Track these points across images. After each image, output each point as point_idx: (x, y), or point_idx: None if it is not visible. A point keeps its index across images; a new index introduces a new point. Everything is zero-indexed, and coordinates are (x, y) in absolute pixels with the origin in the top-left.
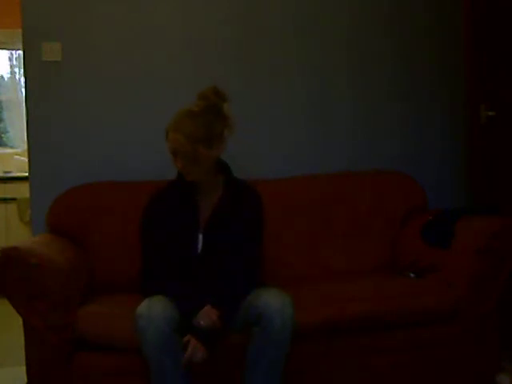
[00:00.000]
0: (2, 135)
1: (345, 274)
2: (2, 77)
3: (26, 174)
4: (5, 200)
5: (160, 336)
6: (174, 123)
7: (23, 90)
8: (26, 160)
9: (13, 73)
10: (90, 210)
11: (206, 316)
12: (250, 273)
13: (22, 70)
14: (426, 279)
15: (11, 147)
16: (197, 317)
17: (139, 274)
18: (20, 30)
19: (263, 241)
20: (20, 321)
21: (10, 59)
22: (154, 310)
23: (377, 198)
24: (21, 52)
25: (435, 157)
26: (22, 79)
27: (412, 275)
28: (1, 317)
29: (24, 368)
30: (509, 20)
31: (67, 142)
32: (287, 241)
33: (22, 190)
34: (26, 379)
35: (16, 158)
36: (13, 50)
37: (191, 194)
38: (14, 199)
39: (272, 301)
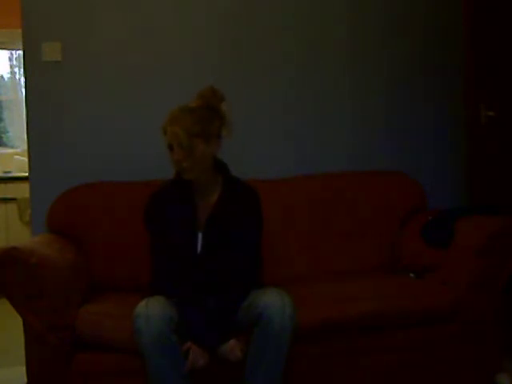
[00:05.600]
0: (2, 135)
1: (345, 274)
2: (2, 77)
3: (26, 174)
4: (5, 200)
5: (158, 336)
6: (171, 118)
7: (23, 90)
8: (26, 160)
9: (13, 73)
10: (90, 209)
11: (231, 352)
12: (250, 273)
13: (22, 70)
14: (425, 279)
15: (11, 147)
16: (222, 350)
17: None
18: (20, 30)
19: (262, 240)
20: (20, 321)
21: (10, 59)
22: (151, 310)
23: (377, 198)
24: (21, 52)
25: (435, 157)
26: (22, 79)
27: (412, 275)
28: (1, 317)
29: (24, 368)
30: (508, 20)
31: (67, 142)
32: (287, 241)
33: (22, 190)
34: (25, 379)
35: (16, 158)
36: (13, 49)
37: (190, 194)
38: (14, 199)
39: (272, 301)
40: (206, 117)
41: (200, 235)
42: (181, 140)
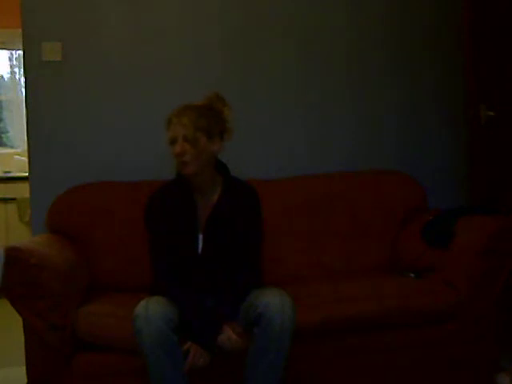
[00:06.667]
0: (2, 135)
1: (345, 274)
2: (2, 77)
3: (26, 174)
4: (5, 200)
5: (157, 336)
6: (177, 111)
7: (23, 90)
8: (26, 160)
9: (13, 73)
10: (90, 209)
11: (226, 339)
12: (251, 273)
13: (22, 70)
14: (425, 279)
15: (11, 147)
16: (219, 342)
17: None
18: (20, 30)
19: (262, 240)
20: (20, 321)
21: (10, 59)
22: (151, 310)
23: (377, 198)
24: (21, 52)
25: (435, 157)
26: (22, 79)
27: (412, 275)
28: (1, 317)
29: (24, 368)
30: (508, 20)
31: (67, 141)
32: (287, 241)
33: (22, 190)
34: (26, 379)
35: (16, 158)
36: (13, 49)
37: (190, 194)
38: (13, 199)
39: (272, 301)
40: (210, 115)
41: (201, 236)
42: (186, 131)
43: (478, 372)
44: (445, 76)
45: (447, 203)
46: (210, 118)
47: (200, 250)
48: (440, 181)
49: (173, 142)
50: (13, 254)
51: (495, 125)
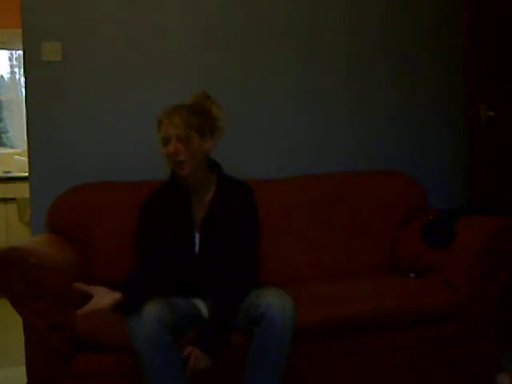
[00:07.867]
0: (2, 135)
1: (345, 274)
2: (2, 77)
3: (26, 174)
4: (5, 200)
5: (151, 336)
6: (167, 111)
7: (23, 90)
8: (26, 160)
9: (13, 73)
10: (90, 209)
11: (193, 366)
12: (250, 272)
13: (22, 70)
14: (426, 279)
15: (11, 147)
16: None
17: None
18: (20, 30)
19: (262, 240)
20: (20, 321)
21: (10, 59)
22: (144, 310)
23: (377, 198)
24: (21, 52)
25: (435, 157)
26: (22, 79)
27: (412, 275)
28: (1, 317)
29: (24, 368)
30: (508, 20)
31: (67, 141)
32: (287, 241)
33: (22, 190)
34: (26, 379)
35: (16, 158)
36: (13, 49)
37: (186, 194)
38: (13, 199)
39: (273, 301)
40: (200, 113)
41: (197, 235)
42: (178, 131)
43: (478, 372)
44: (445, 76)
45: (447, 203)
46: (200, 117)
47: (197, 250)
48: (440, 181)
49: (165, 142)
50: (13, 253)
51: (495, 125)
